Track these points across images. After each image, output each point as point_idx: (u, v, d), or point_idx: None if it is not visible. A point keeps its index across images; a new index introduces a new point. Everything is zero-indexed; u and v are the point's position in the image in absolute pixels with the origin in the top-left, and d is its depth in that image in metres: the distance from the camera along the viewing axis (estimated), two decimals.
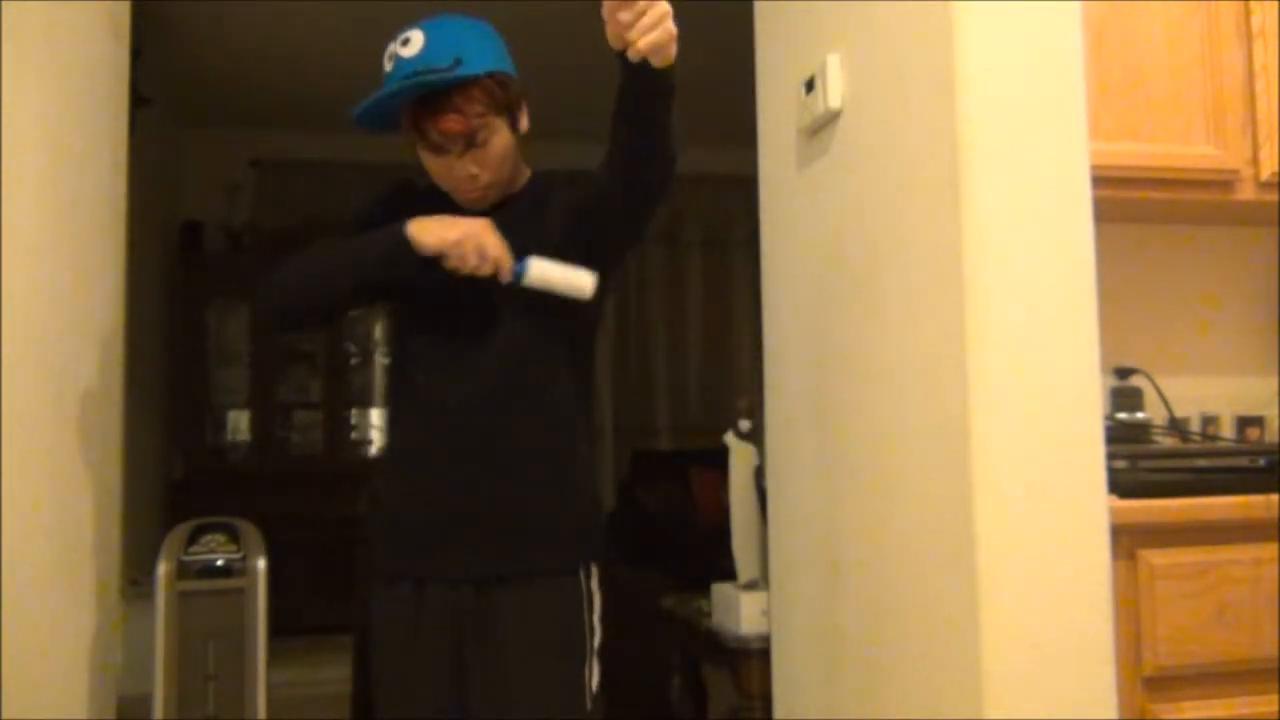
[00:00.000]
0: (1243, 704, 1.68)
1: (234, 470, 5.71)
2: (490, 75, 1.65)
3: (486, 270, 1.62)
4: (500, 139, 1.68)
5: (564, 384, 1.75)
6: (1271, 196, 2.03)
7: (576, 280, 1.63)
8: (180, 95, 5.38)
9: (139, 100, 3.38)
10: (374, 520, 1.81)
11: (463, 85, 1.62)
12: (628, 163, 1.60)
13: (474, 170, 1.69)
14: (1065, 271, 1.63)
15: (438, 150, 1.67)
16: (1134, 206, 2.07)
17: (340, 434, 5.93)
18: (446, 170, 1.69)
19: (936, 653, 1.66)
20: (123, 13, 2.74)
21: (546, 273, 1.63)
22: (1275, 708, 1.68)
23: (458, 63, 1.62)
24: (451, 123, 1.63)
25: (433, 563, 1.72)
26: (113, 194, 2.65)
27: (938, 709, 1.65)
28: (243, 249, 5.78)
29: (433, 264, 1.64)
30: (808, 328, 2.13)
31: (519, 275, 1.63)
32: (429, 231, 1.62)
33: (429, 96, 1.63)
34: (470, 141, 1.65)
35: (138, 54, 3.01)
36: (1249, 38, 2.01)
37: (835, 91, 1.98)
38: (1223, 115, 2.00)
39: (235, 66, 5.16)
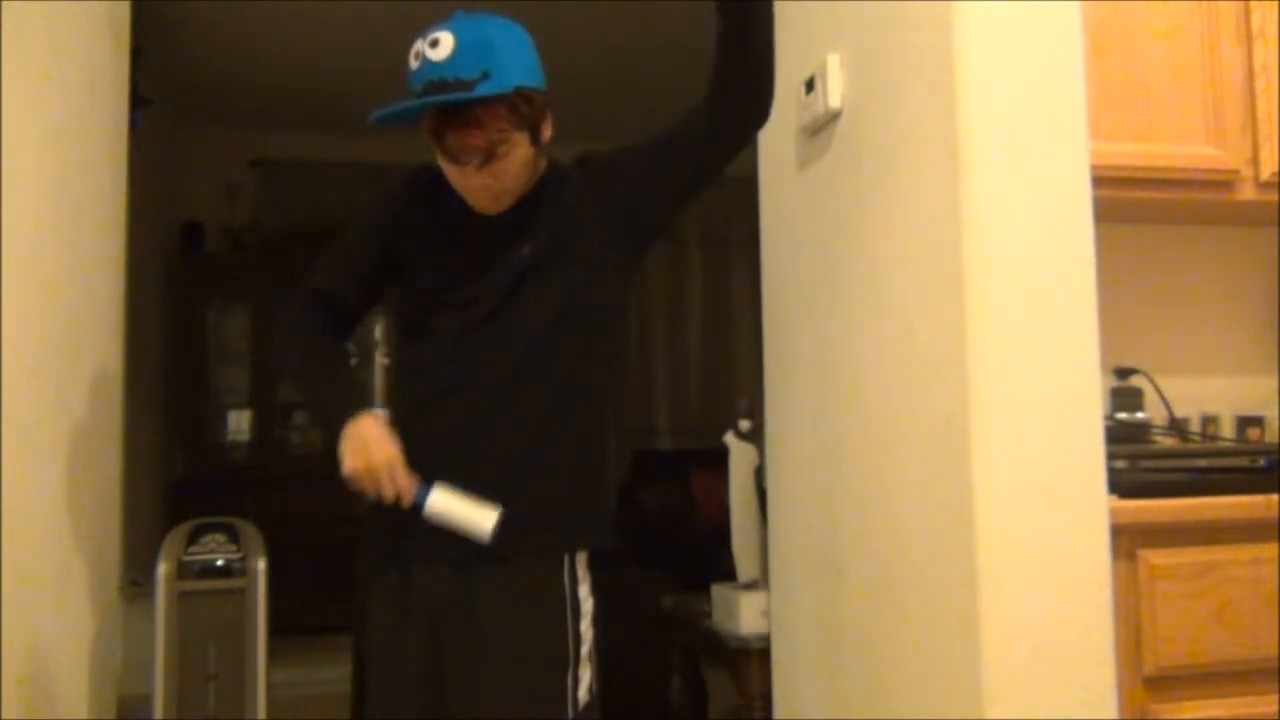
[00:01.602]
0: (1243, 704, 1.68)
1: (234, 470, 5.71)
2: (517, 90, 1.62)
3: (389, 499, 1.67)
4: (519, 152, 1.67)
5: (574, 375, 1.74)
6: (1271, 196, 2.02)
7: (476, 517, 1.64)
8: (180, 95, 5.38)
9: (139, 100, 3.38)
10: (372, 511, 1.81)
11: (488, 100, 1.60)
12: (744, 77, 1.63)
13: (489, 182, 1.69)
14: (1065, 271, 1.63)
15: (454, 160, 1.67)
16: (1134, 206, 2.07)
17: None
18: (461, 177, 1.69)
19: (936, 653, 1.66)
20: (123, 13, 2.75)
21: (446, 506, 1.65)
22: (1275, 708, 1.68)
23: (484, 76, 1.60)
24: (473, 138, 1.62)
25: (418, 544, 1.71)
26: (113, 194, 2.65)
27: (938, 709, 1.65)
28: (243, 249, 5.78)
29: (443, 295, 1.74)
30: (808, 328, 2.13)
31: (420, 504, 1.66)
32: (344, 451, 1.69)
33: (452, 107, 1.61)
34: (489, 155, 1.65)
35: (138, 54, 3.01)
36: (1249, 38, 2.01)
37: (835, 91, 1.98)
38: (1223, 115, 1.99)
39: (235, 66, 5.16)
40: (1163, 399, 2.20)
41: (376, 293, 1.91)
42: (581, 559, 1.74)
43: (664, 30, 4.54)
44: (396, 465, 1.67)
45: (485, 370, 1.72)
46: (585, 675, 1.70)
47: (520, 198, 1.76)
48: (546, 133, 1.72)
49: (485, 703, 1.66)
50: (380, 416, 1.72)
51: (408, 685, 1.71)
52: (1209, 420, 2.27)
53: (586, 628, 1.71)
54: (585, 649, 1.71)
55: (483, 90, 1.60)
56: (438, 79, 1.61)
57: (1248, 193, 2.02)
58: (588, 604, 1.72)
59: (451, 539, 1.68)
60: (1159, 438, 2.15)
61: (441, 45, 1.62)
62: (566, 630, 1.69)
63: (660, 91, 5.22)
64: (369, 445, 1.68)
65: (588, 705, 1.70)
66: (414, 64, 1.65)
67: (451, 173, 1.70)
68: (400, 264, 1.81)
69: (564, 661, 1.68)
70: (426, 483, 1.66)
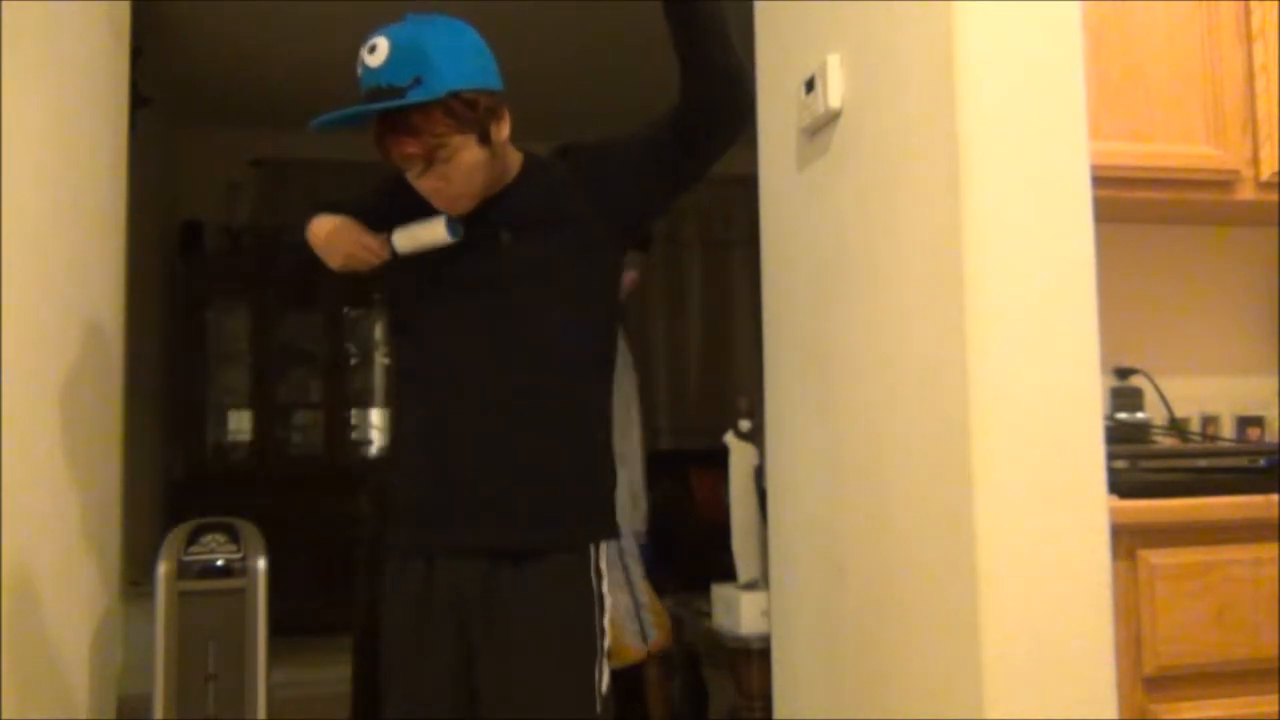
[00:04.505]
0: (1243, 704, 1.68)
1: (234, 470, 5.71)
2: (455, 94, 1.60)
3: (374, 260, 1.77)
4: (466, 156, 1.65)
5: (578, 363, 1.75)
6: (1271, 196, 2.02)
7: (431, 232, 1.72)
8: (180, 95, 5.38)
9: (139, 100, 3.39)
10: (388, 496, 1.82)
11: (422, 105, 1.59)
12: (701, 83, 1.63)
13: (439, 185, 1.68)
14: (1065, 271, 1.63)
15: (399, 166, 1.67)
16: (1134, 206, 2.07)
17: (340, 434, 5.93)
18: (416, 181, 1.69)
19: (936, 653, 1.66)
20: (123, 13, 2.75)
21: (408, 239, 1.74)
22: (1275, 708, 1.68)
23: (416, 82, 1.58)
24: (406, 146, 1.61)
25: (440, 536, 1.72)
26: (113, 194, 2.65)
27: (938, 709, 1.65)
28: (243, 249, 5.78)
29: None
30: (808, 328, 2.13)
31: (394, 250, 1.76)
32: (323, 257, 1.81)
33: (390, 114, 1.60)
34: (429, 161, 1.63)
35: (138, 54, 3.01)
36: (1249, 38, 2.01)
37: (835, 91, 1.98)
38: (1223, 115, 1.99)
39: (235, 66, 5.16)
40: (1163, 399, 2.20)
41: None
42: (603, 553, 1.75)
43: (647, 26, 4.55)
44: (363, 241, 1.76)
45: (482, 364, 1.72)
46: (605, 669, 1.72)
47: (500, 190, 1.75)
48: (501, 133, 1.69)
49: (519, 698, 1.66)
50: (328, 217, 1.82)
51: (434, 682, 1.71)
52: (1209, 420, 2.27)
53: (607, 623, 1.73)
54: (606, 643, 1.73)
55: (413, 97, 1.58)
56: (373, 86, 1.61)
57: (1248, 193, 2.02)
58: (608, 600, 1.74)
59: (478, 531, 1.69)
60: (1159, 438, 2.15)
61: (378, 51, 1.61)
62: (594, 624, 1.71)
63: (645, 87, 5.24)
64: (334, 240, 1.79)
65: (604, 700, 1.71)
66: (358, 70, 1.64)
67: (409, 176, 1.70)
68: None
69: (592, 655, 1.69)
70: (386, 234, 1.76)
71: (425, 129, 1.60)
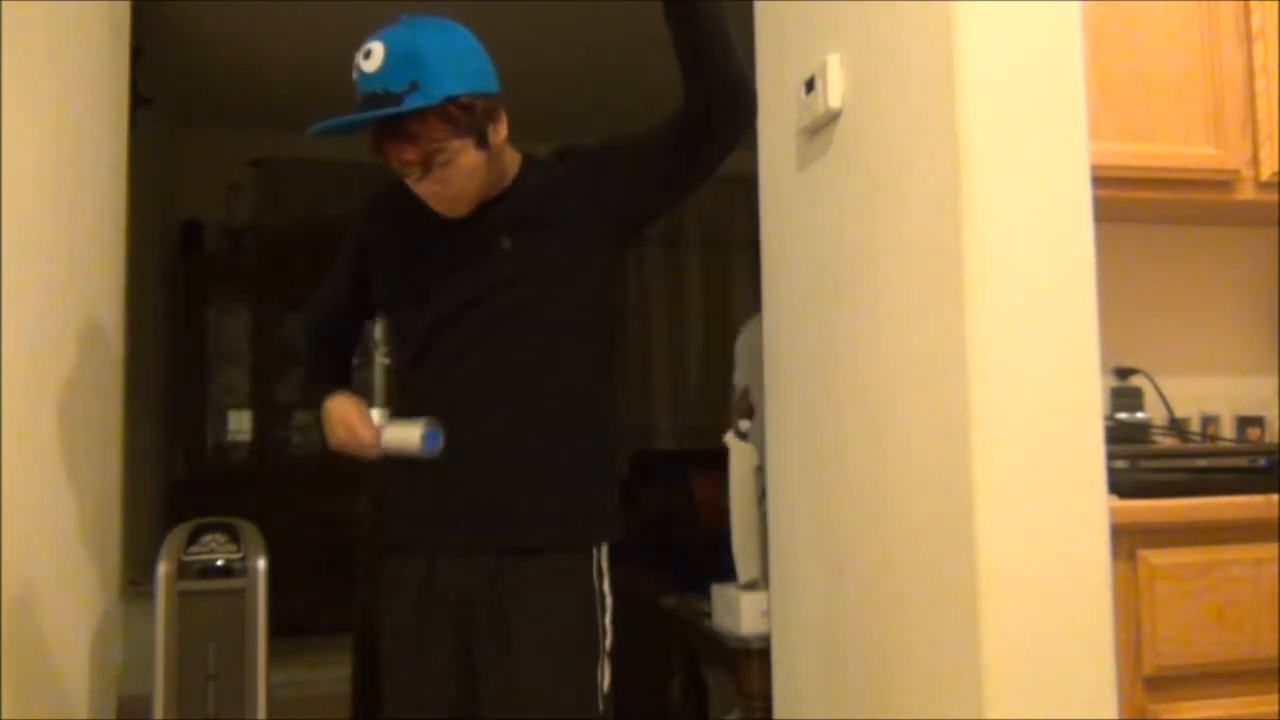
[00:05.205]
0: (1243, 704, 1.68)
1: (234, 470, 5.71)
2: (451, 99, 1.59)
3: (365, 454, 1.81)
4: (464, 159, 1.64)
5: (578, 363, 1.75)
6: (1271, 196, 2.03)
7: (409, 437, 1.73)
8: (180, 95, 5.38)
9: (139, 100, 3.39)
10: (387, 494, 1.83)
11: (419, 111, 1.58)
12: (703, 87, 1.61)
13: (438, 189, 1.67)
14: (1065, 271, 1.63)
15: (398, 171, 1.67)
16: (1134, 206, 2.07)
17: None
18: (414, 184, 1.69)
19: (937, 653, 1.66)
20: (123, 13, 2.75)
21: (389, 438, 1.78)
22: (1275, 708, 1.68)
23: (413, 87, 1.57)
24: (404, 152, 1.61)
25: (442, 536, 1.72)
26: (113, 194, 2.65)
27: (938, 709, 1.65)
28: (243, 249, 5.78)
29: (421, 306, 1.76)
30: (808, 328, 2.13)
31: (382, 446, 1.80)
32: (325, 426, 1.87)
33: (386, 120, 1.59)
34: (427, 166, 1.63)
35: (138, 54, 3.01)
36: (1249, 38, 2.01)
37: (835, 91, 1.98)
38: (1223, 115, 2.00)
39: (235, 66, 5.16)
40: (1163, 399, 2.20)
41: (371, 306, 1.93)
42: (604, 553, 1.75)
43: (647, 27, 4.55)
44: (354, 430, 1.80)
45: (483, 366, 1.72)
46: (607, 670, 1.72)
47: (498, 193, 1.75)
48: (498, 134, 1.69)
49: (522, 697, 1.66)
50: (345, 395, 1.87)
51: (433, 681, 1.71)
52: (1209, 420, 2.27)
53: (609, 623, 1.73)
54: (608, 643, 1.73)
55: (410, 103, 1.57)
56: (369, 92, 1.60)
57: (1248, 193, 2.02)
58: (610, 599, 1.74)
59: (481, 531, 1.70)
60: (1159, 438, 2.15)
61: (373, 56, 1.60)
62: (596, 623, 1.71)
63: (646, 88, 5.23)
64: (334, 425, 1.83)
65: (606, 699, 1.71)
66: (354, 75, 1.63)
67: (407, 181, 1.69)
68: (380, 274, 1.82)
69: (595, 654, 1.69)
70: (379, 428, 1.80)
71: (423, 135, 1.60)
